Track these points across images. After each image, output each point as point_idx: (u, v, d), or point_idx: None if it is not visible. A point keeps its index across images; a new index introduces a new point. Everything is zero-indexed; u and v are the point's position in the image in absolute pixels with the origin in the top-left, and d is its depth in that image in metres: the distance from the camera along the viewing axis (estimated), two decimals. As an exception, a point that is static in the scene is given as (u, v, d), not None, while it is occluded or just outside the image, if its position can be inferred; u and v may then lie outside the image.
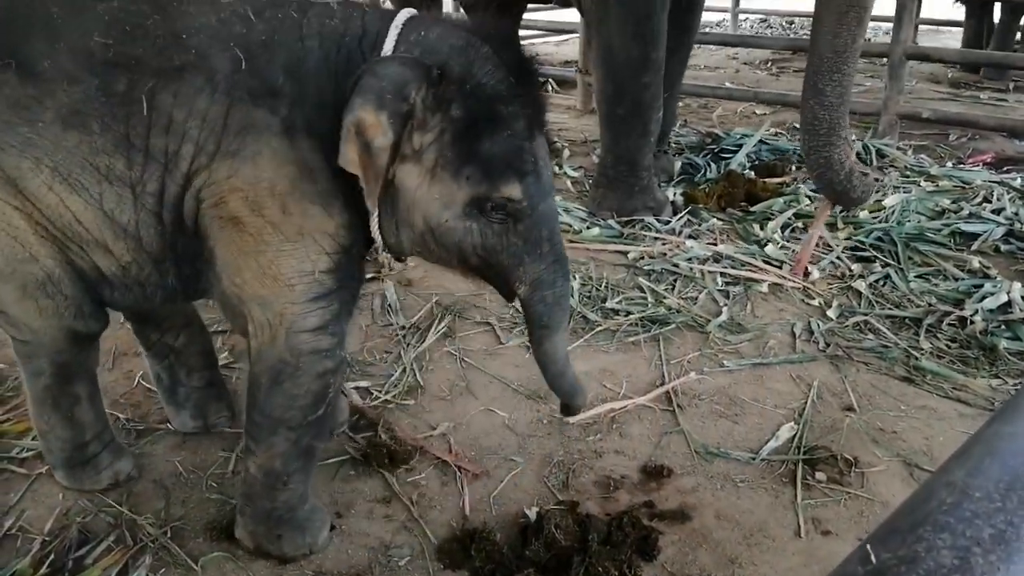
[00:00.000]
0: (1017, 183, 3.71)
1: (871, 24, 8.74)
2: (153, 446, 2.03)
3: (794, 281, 2.87)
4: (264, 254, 1.54)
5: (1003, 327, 2.57)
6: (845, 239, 3.17)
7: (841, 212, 3.32)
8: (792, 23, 9.54)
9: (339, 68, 1.52)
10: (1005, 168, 4.13)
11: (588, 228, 3.31)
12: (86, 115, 1.47)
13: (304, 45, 1.52)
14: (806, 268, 2.93)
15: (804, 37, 8.66)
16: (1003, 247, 3.14)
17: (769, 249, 3.08)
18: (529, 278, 1.59)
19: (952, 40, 8.20)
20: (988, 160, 4.31)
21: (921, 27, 8.15)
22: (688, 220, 3.40)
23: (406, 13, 1.57)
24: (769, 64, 7.29)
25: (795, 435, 2.06)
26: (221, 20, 1.52)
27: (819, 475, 1.91)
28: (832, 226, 3.26)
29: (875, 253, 3.07)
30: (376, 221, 1.58)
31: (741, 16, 9.41)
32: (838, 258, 3.03)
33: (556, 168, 4.06)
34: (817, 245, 3.05)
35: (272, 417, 1.64)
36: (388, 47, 1.51)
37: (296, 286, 1.56)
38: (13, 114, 1.46)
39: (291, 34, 1.52)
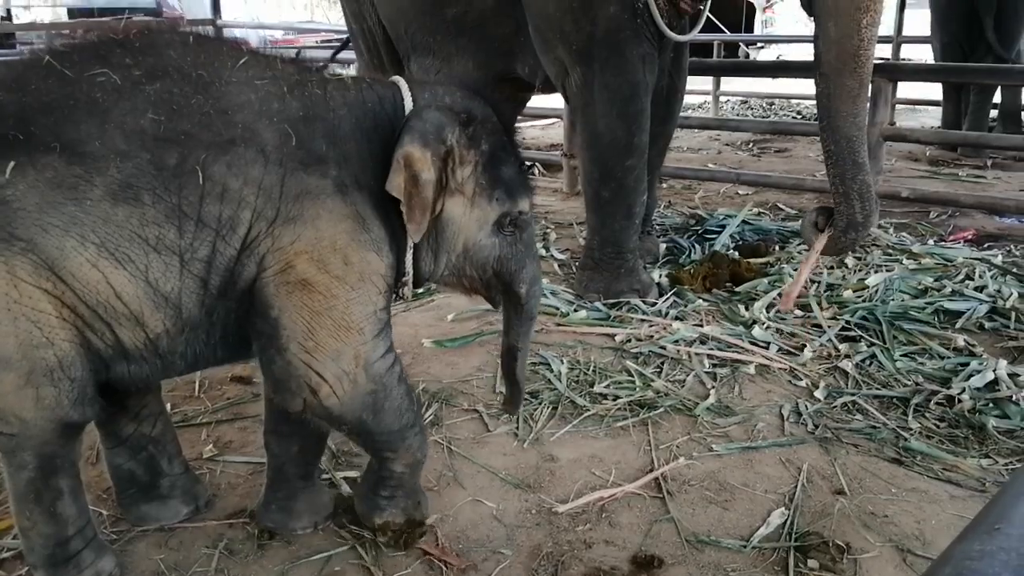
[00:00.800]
0: (998, 260, 3.76)
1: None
2: (134, 544, 1.99)
3: (781, 363, 2.88)
4: (336, 308, 1.70)
5: (991, 405, 2.57)
6: (830, 319, 3.19)
7: (827, 292, 3.35)
8: (772, 104, 9.73)
9: (370, 129, 1.77)
10: (986, 244, 4.19)
11: (575, 311, 3.33)
12: (138, 188, 1.56)
13: (336, 114, 1.75)
14: (793, 305, 3.00)
15: (784, 119, 8.87)
16: (987, 324, 3.16)
17: (756, 331, 3.10)
18: (528, 277, 1.97)
19: (929, 118, 8.39)
20: (969, 237, 4.37)
21: (898, 106, 8.35)
22: (674, 302, 3.42)
23: (400, 78, 1.89)
24: (751, 145, 7.43)
25: (786, 521, 2.03)
26: (259, 98, 1.68)
27: (811, 563, 1.88)
28: (805, 307, 3.28)
29: (860, 332, 3.09)
30: (411, 254, 1.84)
31: (722, 98, 9.61)
32: (829, 340, 3.04)
33: (543, 251, 4.10)
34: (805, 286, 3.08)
35: (394, 430, 1.87)
36: (409, 104, 1.81)
37: (365, 328, 1.75)
38: (59, 194, 1.53)
39: (322, 107, 1.74)
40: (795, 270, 3.62)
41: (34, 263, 1.54)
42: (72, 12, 17.21)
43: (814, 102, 9.25)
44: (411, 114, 1.77)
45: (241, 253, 1.65)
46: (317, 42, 13.61)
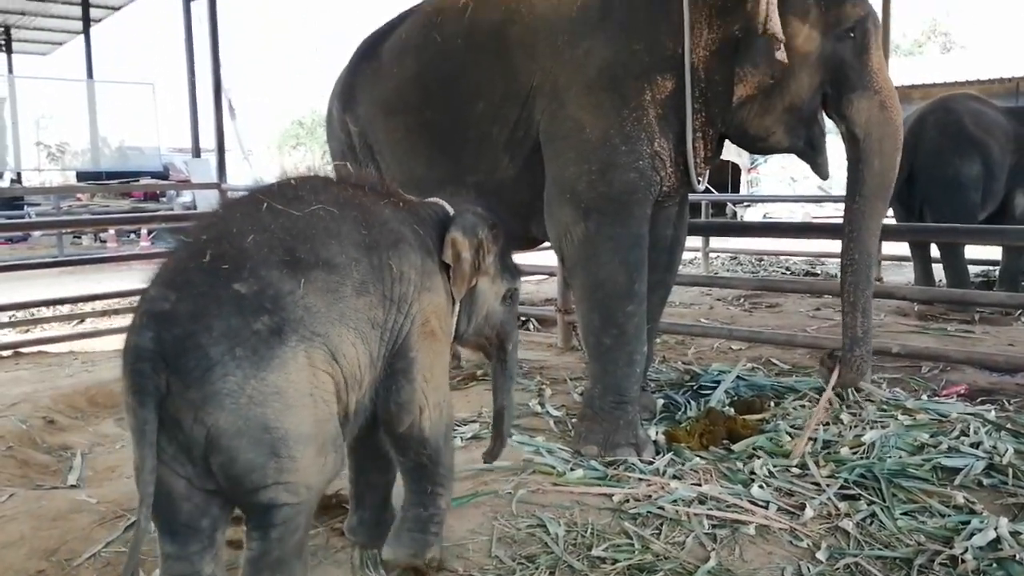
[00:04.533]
0: (992, 415, 3.77)
1: (836, 261, 9.19)
2: None
3: (781, 523, 2.85)
4: (444, 355, 2.47)
5: (994, 565, 2.53)
6: (828, 476, 3.17)
7: (823, 450, 3.35)
8: (761, 260, 9.96)
9: (437, 235, 2.48)
10: (979, 399, 4.20)
11: (572, 470, 3.31)
12: (367, 283, 2.16)
13: (426, 221, 2.49)
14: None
15: (773, 276, 9.06)
16: (985, 481, 3.14)
17: (755, 490, 3.07)
18: (514, 338, 2.77)
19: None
20: (962, 392, 4.39)
21: (884, 263, 8.55)
22: (671, 460, 3.40)
23: (438, 199, 2.63)
24: (742, 300, 7.55)
25: None
26: (394, 214, 2.38)
27: None
28: (803, 466, 3.26)
29: (860, 491, 3.07)
30: (456, 314, 2.54)
31: (712, 254, 9.84)
32: (828, 499, 3.02)
33: (538, 407, 4.11)
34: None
35: (449, 466, 2.51)
36: (452, 212, 2.56)
37: (447, 372, 2.50)
38: (330, 297, 2.05)
39: (420, 216, 2.49)
40: (792, 427, 3.64)
41: (325, 352, 2.01)
42: (80, 175, 17.78)
43: (802, 259, 9.51)
44: (455, 216, 2.52)
45: (405, 317, 2.28)
46: (317, 202, 13.96)
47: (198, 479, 1.92)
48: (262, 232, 2.03)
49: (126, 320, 7.24)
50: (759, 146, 3.75)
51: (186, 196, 15.77)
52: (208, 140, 8.12)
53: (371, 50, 4.22)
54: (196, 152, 9.61)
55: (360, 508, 2.65)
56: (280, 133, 40.24)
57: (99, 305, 7.14)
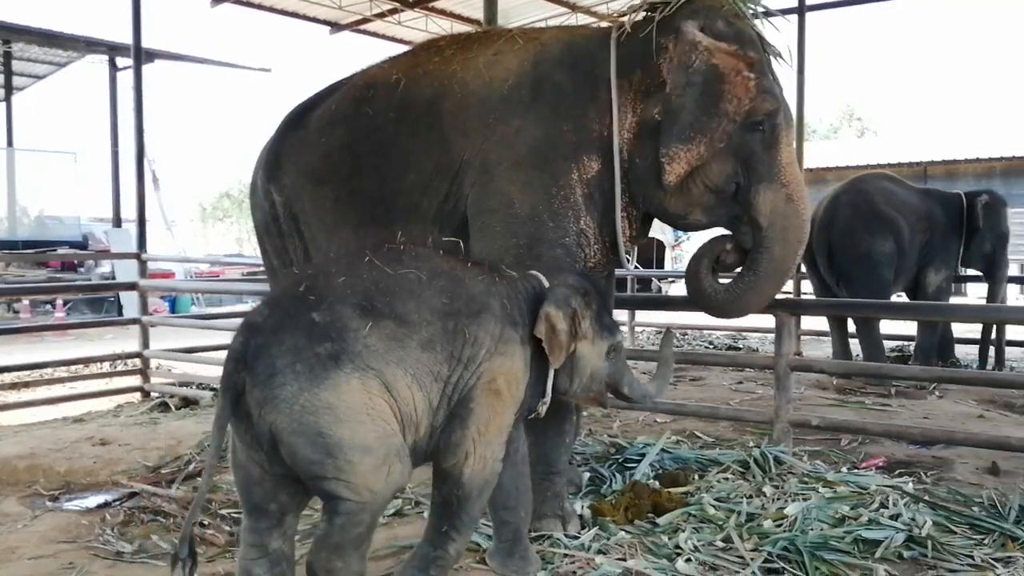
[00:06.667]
0: (909, 487, 3.84)
1: (758, 336, 9.38)
2: None
3: (706, 597, 2.82)
4: (504, 415, 2.69)
5: (917, 639, 2.53)
6: (752, 550, 3.17)
7: (746, 523, 3.35)
8: (686, 334, 10.10)
9: (530, 307, 2.80)
10: (897, 472, 4.28)
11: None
12: (434, 342, 2.50)
13: (519, 296, 2.81)
14: None
15: (697, 349, 9.19)
16: (905, 553, 3.17)
17: (680, 564, 3.05)
18: (628, 381, 3.09)
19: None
20: (880, 464, 4.47)
21: (804, 337, 8.75)
22: (596, 534, 3.36)
23: (535, 272, 2.98)
24: (667, 374, 7.59)
25: None
26: (484, 288, 2.71)
27: None
28: (727, 539, 3.26)
29: (783, 564, 3.07)
30: (552, 378, 2.85)
31: (638, 328, 9.95)
32: (752, 573, 3.01)
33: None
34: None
35: (474, 517, 2.75)
36: (547, 285, 2.89)
37: (504, 433, 2.71)
38: (393, 344, 2.42)
39: (514, 290, 2.81)
40: (717, 499, 3.64)
41: (380, 383, 2.37)
42: (-3, 245, 17.16)
43: (724, 333, 9.66)
44: (549, 290, 2.83)
45: (472, 375, 2.58)
46: (243, 274, 13.80)
47: (268, 464, 2.38)
48: (354, 279, 2.46)
49: (36, 394, 6.98)
50: (680, 224, 3.83)
51: (105, 266, 15.40)
52: (130, 210, 7.95)
53: (298, 120, 4.21)
54: (117, 222, 9.41)
55: (497, 540, 3.02)
56: (206, 204, 39.77)
57: (7, 377, 6.84)
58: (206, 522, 3.52)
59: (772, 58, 3.64)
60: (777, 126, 3.47)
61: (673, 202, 3.55)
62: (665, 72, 3.42)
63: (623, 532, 3.38)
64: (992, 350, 7.61)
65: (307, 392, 2.27)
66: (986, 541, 3.29)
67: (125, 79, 8.80)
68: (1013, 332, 7.88)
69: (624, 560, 3.10)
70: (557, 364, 2.77)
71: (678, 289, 16.12)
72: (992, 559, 3.08)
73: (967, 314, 6.38)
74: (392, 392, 2.38)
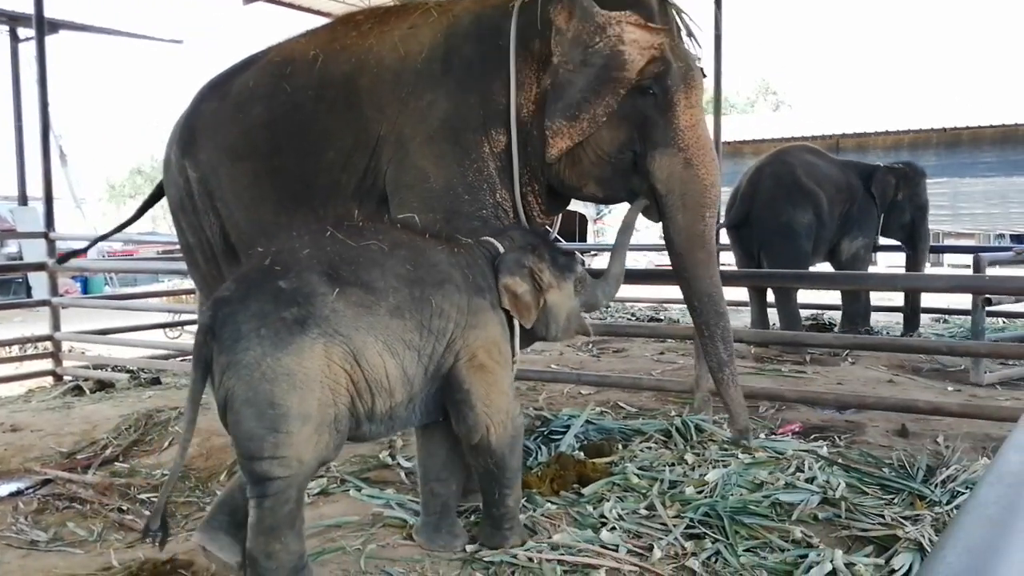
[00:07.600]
0: (824, 451, 3.97)
1: (679, 307, 9.54)
2: None
3: (631, 565, 2.87)
4: (500, 381, 2.83)
5: (831, 597, 2.63)
6: (675, 517, 3.23)
7: (668, 491, 3.42)
8: (608, 307, 10.21)
9: (491, 269, 2.90)
10: (812, 436, 4.42)
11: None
12: (402, 309, 2.56)
13: (479, 262, 2.90)
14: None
15: (619, 322, 9.30)
16: (820, 515, 3.27)
17: (604, 534, 3.09)
18: (599, 295, 3.29)
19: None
20: (796, 429, 4.61)
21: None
22: (523, 506, 3.38)
23: (490, 238, 3.02)
24: (590, 345, 7.70)
25: None
26: (445, 259, 2.79)
27: None
28: (651, 507, 3.32)
29: (705, 529, 3.14)
30: (518, 335, 2.96)
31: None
32: (675, 539, 3.07)
33: (389, 459, 4.03)
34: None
35: (516, 468, 2.96)
36: (502, 250, 2.97)
37: (508, 392, 2.87)
38: (362, 311, 2.47)
39: (474, 258, 2.90)
40: (640, 468, 3.70)
41: (345, 350, 2.41)
42: None
43: (648, 305, 9.75)
44: (499, 260, 2.91)
45: (446, 349, 2.68)
46: (158, 252, 13.43)
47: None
48: (318, 251, 2.52)
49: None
50: (578, 196, 3.79)
51: (11, 246, 14.81)
52: (36, 188, 7.63)
53: (212, 94, 4.10)
54: (23, 200, 9.01)
55: (425, 513, 3.06)
56: (117, 181, 38.50)
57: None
58: (124, 507, 3.44)
59: (684, 29, 3.60)
60: (669, 88, 3.34)
61: (568, 174, 3.51)
62: (554, 43, 3.33)
63: (549, 503, 3.41)
64: (902, 317, 7.90)
65: (270, 357, 2.30)
66: (896, 501, 3.42)
67: (27, 50, 8.35)
68: (928, 299, 8.18)
69: (550, 532, 3.13)
70: (530, 323, 2.92)
71: (600, 262, 16.28)
72: (902, 517, 3.20)
73: (880, 282, 6.60)
74: (360, 360, 2.44)
